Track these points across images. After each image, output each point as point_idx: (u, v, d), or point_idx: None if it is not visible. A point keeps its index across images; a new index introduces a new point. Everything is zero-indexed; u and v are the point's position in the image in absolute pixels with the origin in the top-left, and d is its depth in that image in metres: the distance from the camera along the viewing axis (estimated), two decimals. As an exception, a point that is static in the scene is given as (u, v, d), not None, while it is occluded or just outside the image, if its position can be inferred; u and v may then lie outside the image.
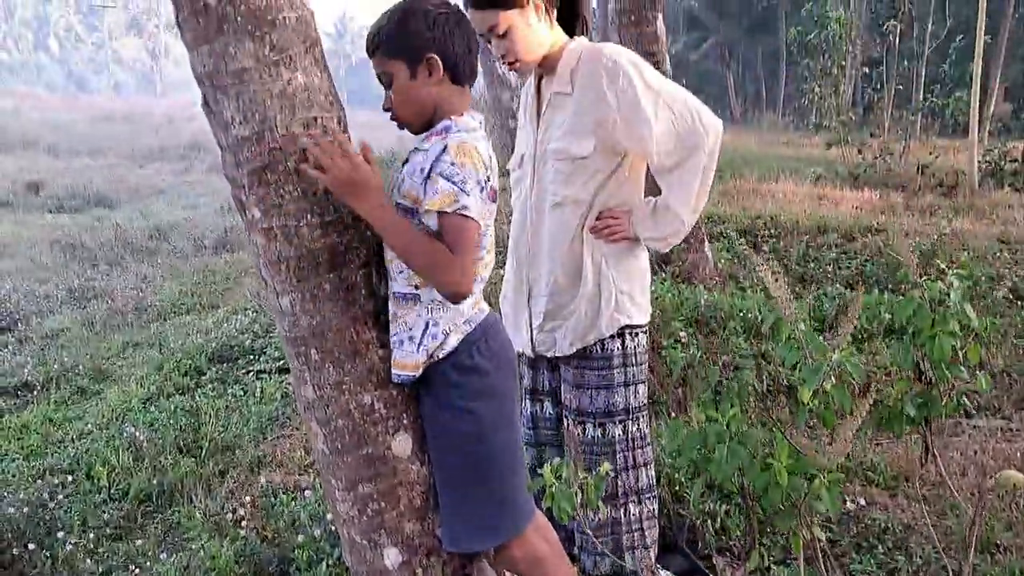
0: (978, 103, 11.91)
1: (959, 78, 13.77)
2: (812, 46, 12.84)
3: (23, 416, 5.04)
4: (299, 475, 3.89)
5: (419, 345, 1.79)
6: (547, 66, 2.35)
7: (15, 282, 8.78)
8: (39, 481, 3.89)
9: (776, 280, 1.63)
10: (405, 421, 1.82)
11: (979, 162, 11.93)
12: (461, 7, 1.90)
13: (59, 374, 5.71)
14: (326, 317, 1.71)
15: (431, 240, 1.70)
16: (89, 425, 4.83)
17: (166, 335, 6.47)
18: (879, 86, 14.12)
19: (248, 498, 3.59)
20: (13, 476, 4.15)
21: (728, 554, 2.84)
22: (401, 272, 1.79)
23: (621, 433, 2.40)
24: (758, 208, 8.84)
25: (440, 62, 1.78)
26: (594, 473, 1.80)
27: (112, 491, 3.92)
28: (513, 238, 2.53)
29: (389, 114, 1.87)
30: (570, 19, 2.39)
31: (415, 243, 1.69)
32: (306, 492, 3.48)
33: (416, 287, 1.79)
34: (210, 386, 5.29)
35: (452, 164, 1.69)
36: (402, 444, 1.79)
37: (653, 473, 2.50)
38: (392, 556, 1.81)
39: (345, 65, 76.92)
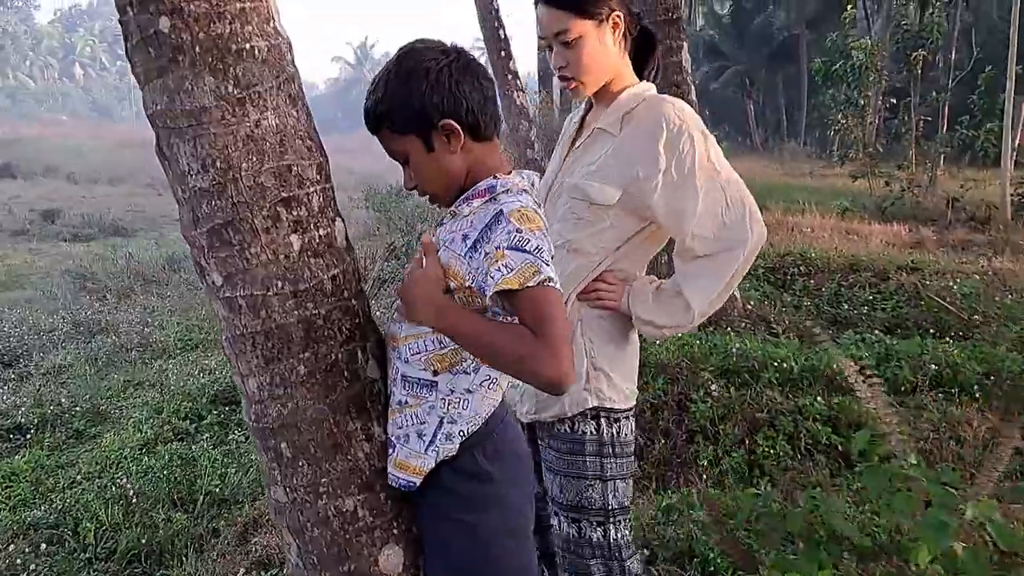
0: (1010, 134, 11.58)
1: (988, 109, 13.43)
2: (837, 76, 12.55)
3: (14, 462, 4.83)
4: (295, 538, 3.60)
5: (428, 445, 1.48)
6: (602, 98, 2.05)
7: (23, 313, 8.69)
8: (12, 545, 3.60)
9: (870, 385, 1.32)
10: (395, 531, 1.51)
11: (1011, 195, 11.58)
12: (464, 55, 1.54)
13: (55, 416, 5.49)
14: (300, 405, 1.41)
15: (510, 328, 1.38)
16: (81, 474, 4.60)
17: (168, 374, 6.24)
18: (906, 117, 13.81)
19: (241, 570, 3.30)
20: (-4, 530, 3.91)
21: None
22: (417, 354, 1.49)
23: (600, 537, 2.03)
24: (786, 244, 8.52)
25: (456, 124, 1.47)
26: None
27: (99, 549, 3.66)
28: None
29: (415, 192, 1.58)
30: (643, 61, 2.08)
31: (494, 336, 1.38)
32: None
33: (435, 372, 1.48)
34: (209, 432, 5.04)
35: (518, 231, 1.37)
36: (391, 559, 1.48)
37: None
38: None
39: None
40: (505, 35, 10.78)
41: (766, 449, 3.67)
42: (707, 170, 1.90)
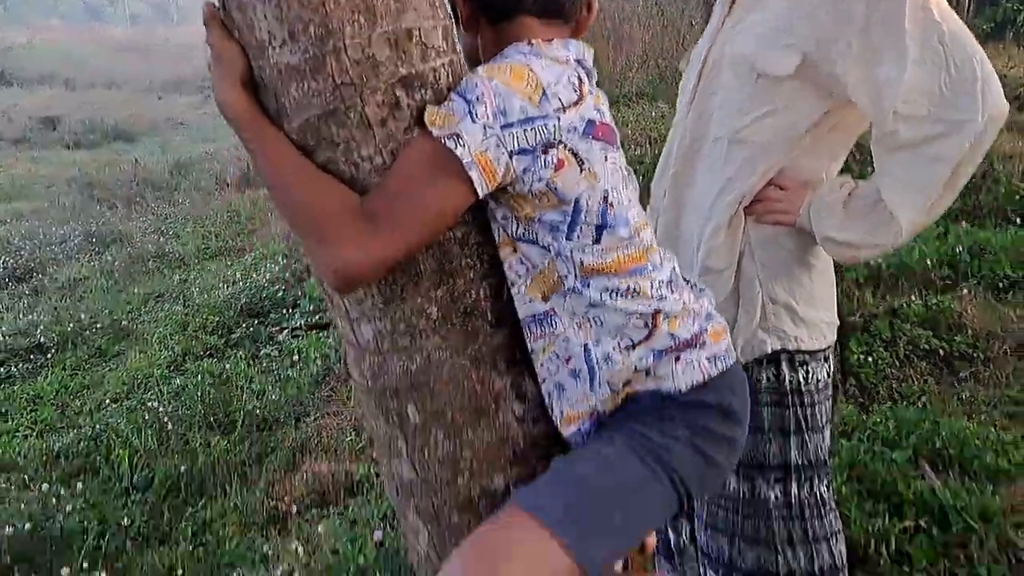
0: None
1: None
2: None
3: (36, 384, 4.66)
4: (350, 463, 3.33)
5: (592, 379, 1.07)
6: None
7: (31, 225, 8.40)
8: (45, 484, 3.35)
9: None
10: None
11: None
12: None
13: (76, 333, 5.26)
14: (432, 358, 1.03)
15: (329, 181, 0.99)
16: (108, 396, 4.38)
17: (190, 286, 5.95)
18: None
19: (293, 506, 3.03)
20: (25, 458, 3.70)
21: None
22: (514, 285, 1.09)
23: (779, 496, 1.62)
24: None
25: None
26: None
27: (135, 478, 3.44)
28: (656, 173, 1.75)
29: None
30: None
31: (297, 175, 0.99)
32: (376, 533, 2.68)
33: (543, 297, 1.07)
34: (240, 348, 4.77)
35: (475, 75, 1.00)
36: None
37: (842, 548, 1.68)
38: None
39: None
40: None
41: (860, 356, 3.34)
42: (923, 25, 1.35)
